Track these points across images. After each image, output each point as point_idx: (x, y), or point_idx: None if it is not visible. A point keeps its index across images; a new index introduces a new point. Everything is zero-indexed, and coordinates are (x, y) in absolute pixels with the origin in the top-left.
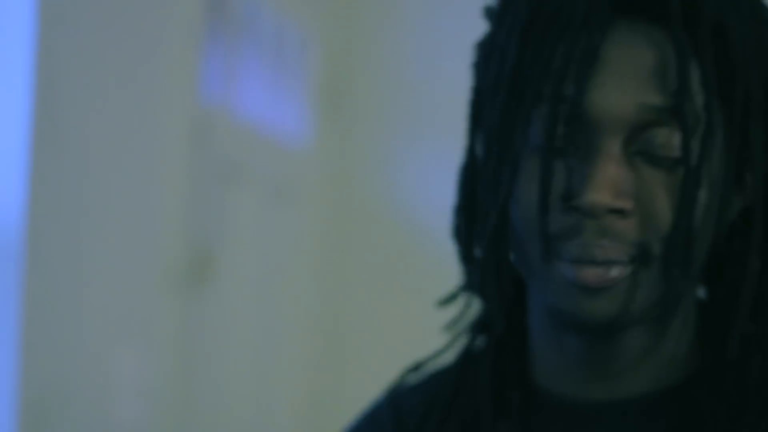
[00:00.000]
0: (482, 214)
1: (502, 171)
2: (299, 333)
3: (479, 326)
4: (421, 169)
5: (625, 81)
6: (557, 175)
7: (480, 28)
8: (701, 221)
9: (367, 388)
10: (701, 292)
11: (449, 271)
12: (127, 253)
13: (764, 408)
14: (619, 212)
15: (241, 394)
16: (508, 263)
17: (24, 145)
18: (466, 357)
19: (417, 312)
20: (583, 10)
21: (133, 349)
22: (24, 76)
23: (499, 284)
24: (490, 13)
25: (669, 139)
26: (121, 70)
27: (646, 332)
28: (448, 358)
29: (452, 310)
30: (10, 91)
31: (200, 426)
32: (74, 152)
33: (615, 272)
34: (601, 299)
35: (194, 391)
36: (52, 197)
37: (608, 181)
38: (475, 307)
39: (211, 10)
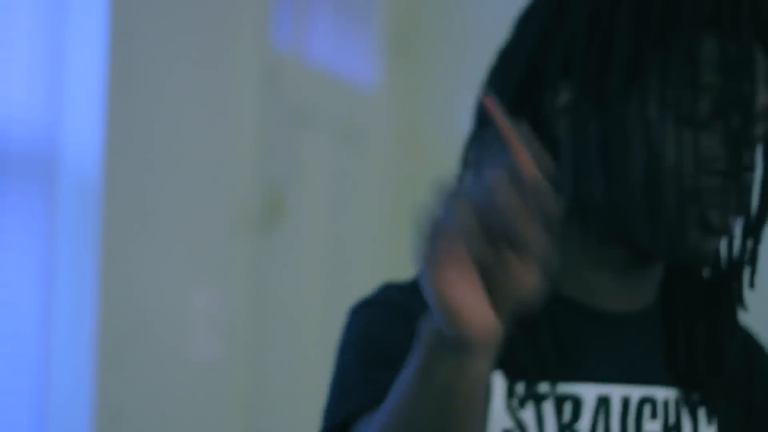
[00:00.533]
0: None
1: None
2: (370, 272)
3: None
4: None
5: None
6: (713, 146)
7: None
8: None
9: None
10: None
11: None
12: (201, 195)
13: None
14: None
15: (313, 332)
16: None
17: (100, 92)
18: None
19: None
20: (730, 17)
21: (207, 288)
22: (100, 23)
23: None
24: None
25: None
26: (194, 16)
27: None
28: None
29: None
30: (86, 38)
31: (273, 363)
32: (149, 98)
33: (732, 220)
34: (715, 240)
35: (267, 329)
36: (129, 142)
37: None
38: None
39: None
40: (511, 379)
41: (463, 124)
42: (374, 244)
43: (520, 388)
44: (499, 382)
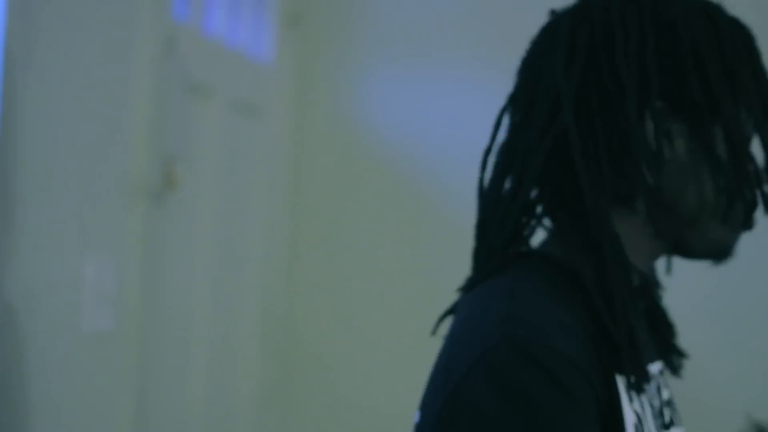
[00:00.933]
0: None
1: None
2: (263, 245)
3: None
4: (383, 84)
5: None
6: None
7: None
8: None
9: (327, 294)
10: None
11: (407, 184)
12: (94, 166)
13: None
14: None
15: (204, 303)
16: None
17: None
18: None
19: (375, 221)
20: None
21: (99, 259)
22: None
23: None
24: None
25: None
26: None
27: None
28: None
29: (405, 226)
30: None
31: (163, 334)
32: (44, 67)
33: None
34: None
35: (158, 300)
36: (25, 111)
37: None
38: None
39: None
40: (622, 372)
41: (358, 96)
42: (268, 217)
43: (632, 379)
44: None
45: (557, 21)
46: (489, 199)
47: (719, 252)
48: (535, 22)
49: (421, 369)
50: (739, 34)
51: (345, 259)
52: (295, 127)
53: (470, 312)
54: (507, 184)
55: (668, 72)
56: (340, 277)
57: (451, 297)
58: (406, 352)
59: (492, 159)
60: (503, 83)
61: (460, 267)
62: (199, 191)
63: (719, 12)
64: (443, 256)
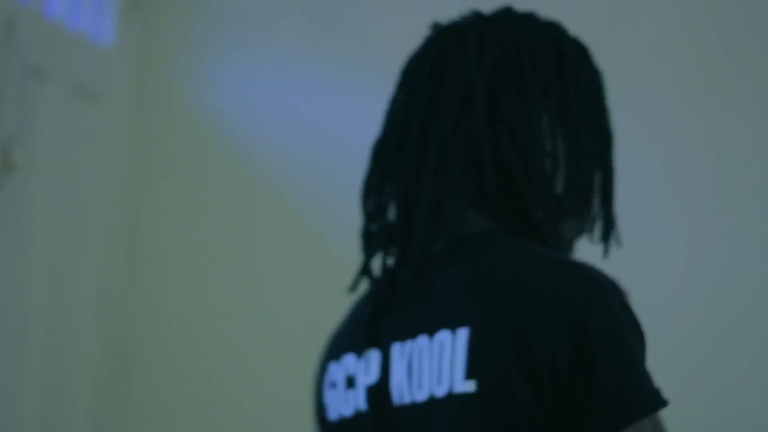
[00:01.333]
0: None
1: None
2: (102, 229)
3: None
4: (228, 68)
5: None
6: None
7: None
8: None
9: (165, 282)
10: None
11: (252, 172)
12: None
13: None
14: None
15: (40, 288)
16: None
17: None
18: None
19: (218, 207)
20: None
21: None
22: None
23: None
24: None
25: None
26: None
27: None
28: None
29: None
30: None
31: (1, 322)
32: None
33: None
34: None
35: None
36: None
37: None
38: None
39: None
40: None
41: (201, 81)
42: (107, 202)
43: None
44: None
45: (462, 24)
46: (406, 182)
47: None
48: (377, 10)
49: (255, 360)
50: (596, 71)
51: (186, 248)
52: (135, 112)
53: (547, 260)
54: (428, 168)
55: (558, 87)
56: (180, 265)
57: (293, 291)
58: (244, 345)
59: (389, 145)
60: (347, 67)
61: (304, 259)
62: (36, 176)
63: (589, 51)
64: (288, 247)
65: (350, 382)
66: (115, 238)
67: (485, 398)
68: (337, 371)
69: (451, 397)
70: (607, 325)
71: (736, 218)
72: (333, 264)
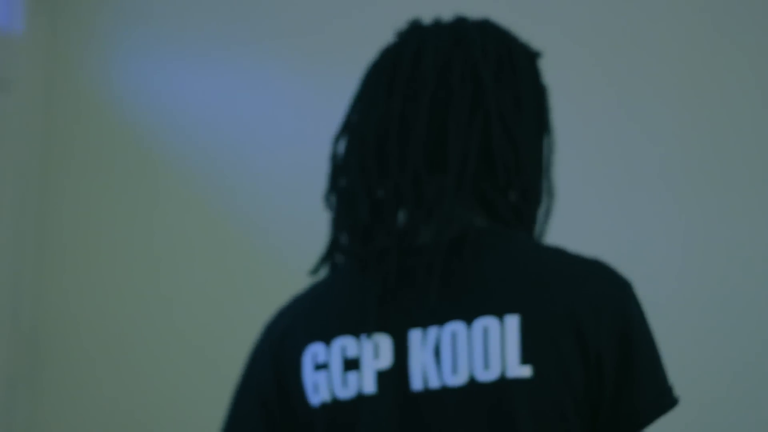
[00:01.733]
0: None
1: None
2: (8, 220)
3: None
4: (140, 57)
5: None
6: None
7: None
8: None
9: (77, 274)
10: None
11: (165, 162)
12: None
13: None
14: None
15: None
16: None
17: None
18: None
19: (129, 197)
20: None
21: None
22: None
23: None
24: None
25: None
26: None
27: None
28: None
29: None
30: None
31: None
32: None
33: None
34: None
35: None
36: None
37: None
38: None
39: None
40: None
41: (110, 69)
42: (17, 192)
43: None
44: None
45: (452, 26)
46: (416, 170)
47: None
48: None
49: (164, 353)
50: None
51: (96, 239)
52: (45, 101)
53: (579, 259)
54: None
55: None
56: (91, 255)
57: (202, 283)
58: (153, 337)
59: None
60: (256, 58)
61: (214, 252)
62: None
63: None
64: (197, 238)
65: (350, 365)
66: (26, 228)
67: (541, 383)
68: (328, 353)
69: (504, 382)
70: (642, 323)
71: (735, 216)
72: (242, 257)
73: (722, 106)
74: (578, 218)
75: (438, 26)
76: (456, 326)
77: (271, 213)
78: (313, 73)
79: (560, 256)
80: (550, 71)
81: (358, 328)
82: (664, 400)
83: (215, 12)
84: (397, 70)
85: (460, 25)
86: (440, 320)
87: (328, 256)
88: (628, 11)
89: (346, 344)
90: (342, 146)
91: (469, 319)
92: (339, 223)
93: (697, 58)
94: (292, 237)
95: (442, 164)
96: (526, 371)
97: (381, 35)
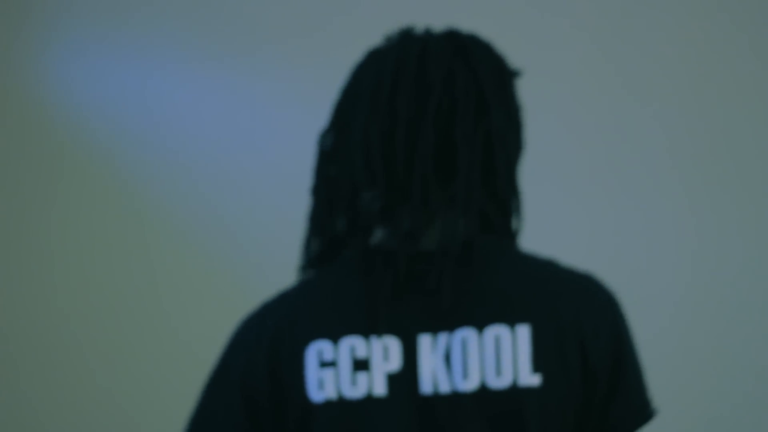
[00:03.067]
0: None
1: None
2: None
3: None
4: (68, 52)
5: None
6: None
7: None
8: None
9: (8, 260)
10: None
11: (96, 162)
12: None
13: None
14: None
15: None
16: None
17: None
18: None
19: (57, 196)
20: None
21: None
22: None
23: None
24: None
25: None
26: None
27: None
28: None
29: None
30: None
31: None
32: None
33: None
34: None
35: None
36: None
37: None
38: None
39: None
40: None
41: (42, 66)
42: None
43: None
44: None
45: (450, 36)
46: (426, 177)
47: None
48: None
49: (93, 347)
50: None
51: (29, 242)
52: None
53: (580, 274)
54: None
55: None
56: (23, 259)
57: (135, 279)
58: (83, 332)
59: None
60: (189, 54)
61: (149, 248)
62: None
63: None
64: (130, 234)
65: (360, 365)
66: None
67: (548, 392)
68: (336, 352)
69: (516, 389)
70: (630, 340)
71: (738, 214)
72: (176, 254)
73: (722, 106)
74: (578, 218)
75: (436, 36)
76: (467, 333)
77: (205, 214)
78: (257, 73)
79: (559, 269)
80: (553, 69)
81: (367, 329)
82: (645, 411)
83: (150, 5)
84: (400, 74)
85: (457, 37)
86: (450, 326)
87: (324, 254)
88: (632, 15)
89: (355, 344)
90: (332, 142)
91: (480, 326)
92: (332, 218)
93: (703, 56)
94: (226, 238)
95: (448, 172)
96: (536, 380)
97: (335, 42)
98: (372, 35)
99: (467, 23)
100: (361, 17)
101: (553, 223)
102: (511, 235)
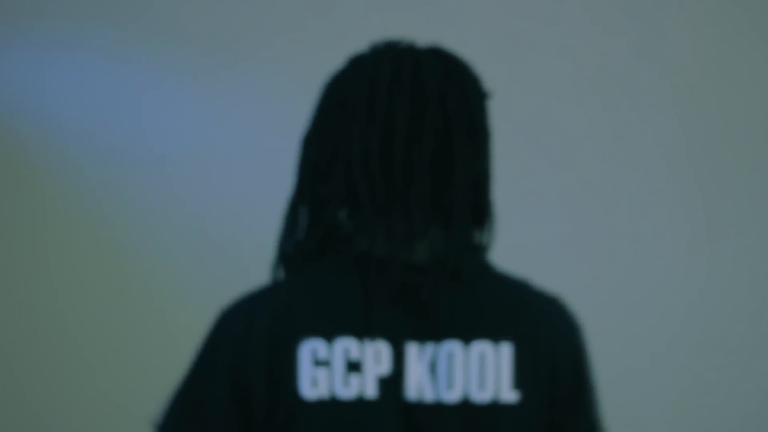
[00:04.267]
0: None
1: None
2: None
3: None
4: (14, 61)
5: None
6: None
7: None
8: None
9: None
10: None
11: (35, 159)
12: None
13: None
14: None
15: None
16: None
17: None
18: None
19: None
20: None
21: None
22: None
23: None
24: None
25: None
26: None
27: None
28: None
29: None
30: None
31: None
32: None
33: None
34: None
35: None
36: None
37: None
38: None
39: None
40: None
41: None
42: None
43: None
44: None
45: (445, 57)
46: (423, 190)
47: None
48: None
49: (37, 354)
50: None
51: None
52: None
53: (552, 297)
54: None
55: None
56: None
57: (83, 289)
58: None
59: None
60: (140, 60)
61: (97, 257)
62: None
63: None
64: (76, 243)
65: (353, 367)
66: None
67: (524, 408)
68: (330, 351)
69: (497, 404)
70: (589, 365)
71: (737, 214)
72: (125, 262)
73: (722, 106)
74: (578, 218)
75: (425, 53)
76: (453, 345)
77: (190, 217)
78: (207, 75)
79: (533, 290)
80: (551, 69)
81: (361, 331)
82: (600, 426)
83: (99, 14)
84: (396, 87)
85: (446, 57)
86: (438, 337)
87: (311, 256)
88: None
89: (349, 345)
90: (318, 150)
91: (466, 340)
92: (323, 226)
93: (700, 56)
94: (216, 240)
95: (441, 186)
96: (514, 396)
97: (314, 46)
98: (349, 39)
99: (457, 29)
100: (337, 21)
101: (553, 225)
102: (484, 250)
